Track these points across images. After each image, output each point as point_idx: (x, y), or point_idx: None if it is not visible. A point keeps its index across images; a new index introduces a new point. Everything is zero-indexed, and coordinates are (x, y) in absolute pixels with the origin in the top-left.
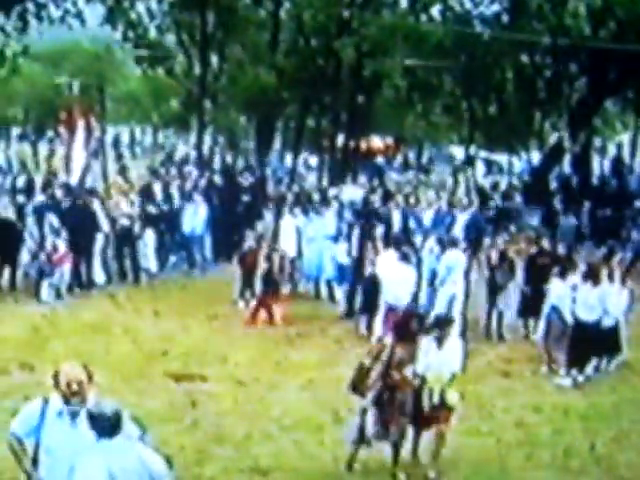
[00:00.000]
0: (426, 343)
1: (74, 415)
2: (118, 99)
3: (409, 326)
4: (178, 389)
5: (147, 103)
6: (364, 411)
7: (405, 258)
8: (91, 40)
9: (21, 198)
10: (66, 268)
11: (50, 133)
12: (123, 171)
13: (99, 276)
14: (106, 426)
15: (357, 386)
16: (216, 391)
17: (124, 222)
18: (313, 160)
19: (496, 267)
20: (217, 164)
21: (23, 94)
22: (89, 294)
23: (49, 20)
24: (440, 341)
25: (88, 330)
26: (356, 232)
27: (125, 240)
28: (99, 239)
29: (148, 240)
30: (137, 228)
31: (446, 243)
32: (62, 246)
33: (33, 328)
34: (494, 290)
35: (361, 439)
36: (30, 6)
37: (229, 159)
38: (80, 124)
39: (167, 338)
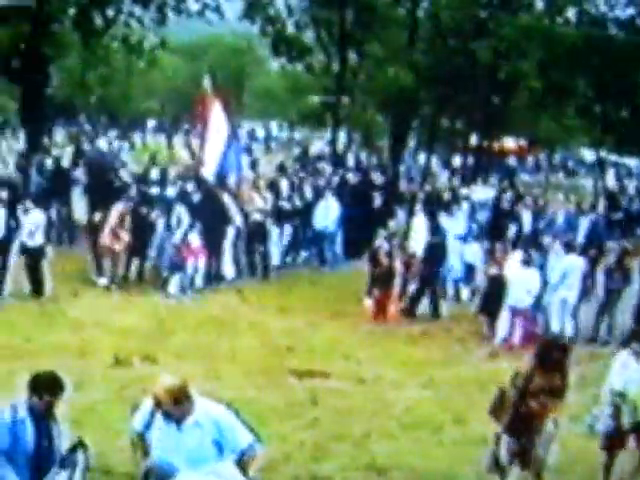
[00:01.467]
0: (624, 357)
1: (180, 423)
2: (256, 94)
3: (552, 354)
4: (300, 385)
5: (284, 99)
6: (498, 438)
7: (527, 261)
8: (232, 34)
9: (154, 190)
10: (200, 262)
11: (186, 126)
12: (253, 166)
13: (228, 270)
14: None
15: (496, 412)
16: (337, 388)
17: (256, 217)
18: None
19: (611, 272)
20: (351, 161)
21: (161, 86)
22: (217, 288)
23: (187, 13)
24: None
25: (213, 324)
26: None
27: (256, 235)
28: (230, 233)
29: (278, 235)
30: (269, 223)
31: (566, 247)
32: (196, 240)
33: (158, 320)
34: (608, 295)
35: (495, 466)
36: None
37: (363, 157)
38: (215, 117)
39: (292, 334)
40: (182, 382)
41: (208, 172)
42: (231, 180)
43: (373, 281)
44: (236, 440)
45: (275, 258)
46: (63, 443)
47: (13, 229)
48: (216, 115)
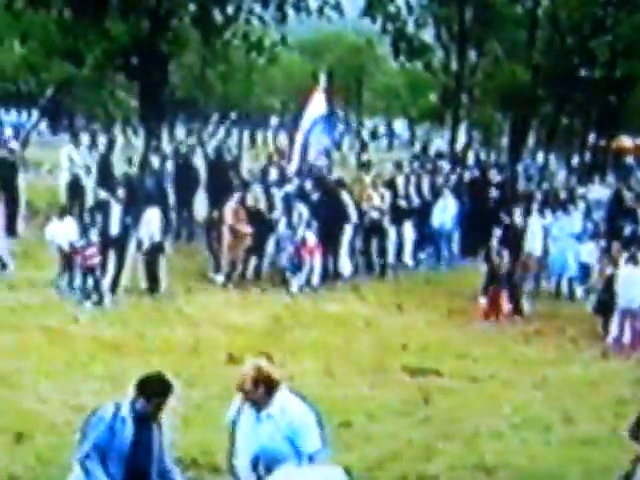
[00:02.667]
0: None
1: (261, 410)
2: (377, 92)
3: None
4: (413, 383)
5: (405, 96)
6: (637, 459)
7: (631, 259)
8: (353, 32)
9: (273, 188)
10: (316, 260)
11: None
12: (368, 164)
13: (345, 268)
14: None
15: (636, 432)
16: (450, 387)
17: (374, 215)
18: None
19: None
20: (470, 160)
21: (281, 84)
22: (334, 286)
23: (307, 11)
24: None
25: (330, 322)
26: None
27: (374, 233)
28: (347, 231)
29: (404, 233)
30: (386, 222)
31: None
32: (312, 238)
33: (275, 318)
34: None
35: None
36: None
37: (482, 155)
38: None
39: (407, 332)
40: (264, 365)
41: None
42: (311, 156)
43: (488, 280)
44: (305, 443)
45: (391, 256)
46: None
47: (129, 226)
48: (314, 108)
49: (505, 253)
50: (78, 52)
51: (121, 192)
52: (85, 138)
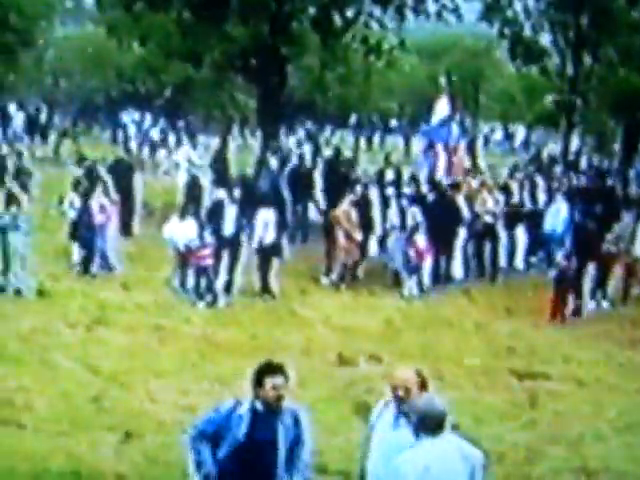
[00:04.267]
0: None
1: (397, 414)
2: (493, 96)
3: None
4: (520, 387)
5: (520, 101)
6: None
7: None
8: (470, 36)
9: (389, 190)
10: (427, 262)
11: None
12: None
13: (457, 271)
14: (429, 422)
15: None
16: (556, 390)
17: (487, 219)
18: None
19: None
20: (583, 164)
21: (398, 87)
22: (445, 288)
23: (425, 14)
24: None
25: (440, 325)
26: None
27: (486, 236)
28: (461, 234)
29: (516, 237)
30: (499, 225)
31: None
32: (422, 240)
33: (386, 321)
34: None
35: None
36: (408, 0)
37: (595, 161)
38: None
39: (515, 335)
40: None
41: (440, 173)
42: (438, 149)
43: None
44: None
45: (503, 260)
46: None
47: (244, 227)
48: (439, 111)
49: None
50: (197, 54)
51: (237, 192)
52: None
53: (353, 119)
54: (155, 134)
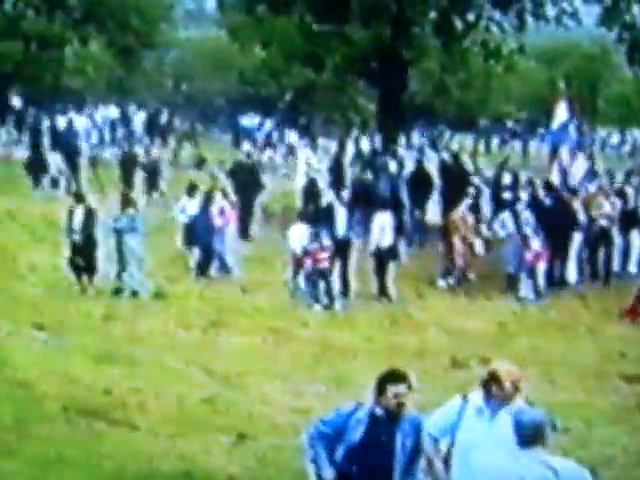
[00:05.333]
0: None
1: (494, 413)
2: (611, 101)
3: None
4: (630, 391)
5: (637, 105)
6: None
7: None
8: (589, 41)
9: (506, 194)
10: (542, 266)
11: (541, 130)
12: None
13: (572, 275)
14: (525, 434)
15: None
16: None
17: (602, 223)
18: None
19: None
20: None
21: (517, 91)
22: (559, 292)
23: (545, 19)
24: None
25: (553, 328)
26: None
27: (601, 241)
28: (576, 238)
29: (632, 241)
30: (614, 230)
31: None
32: (537, 244)
33: (499, 324)
34: None
35: None
36: (528, 4)
37: None
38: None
39: (627, 340)
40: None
41: (555, 177)
42: (564, 153)
43: None
44: None
45: (616, 264)
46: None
47: (358, 230)
48: (559, 115)
49: None
50: (318, 57)
51: (346, 195)
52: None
53: (473, 123)
54: (275, 137)
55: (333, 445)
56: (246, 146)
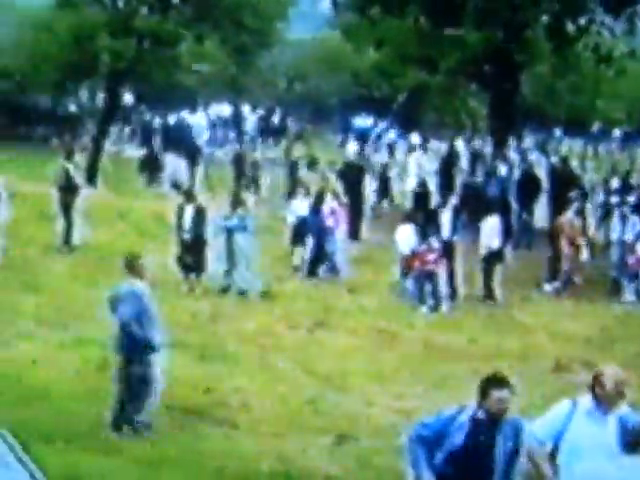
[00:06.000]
0: None
1: (603, 418)
2: None
3: None
4: None
5: None
6: None
7: None
8: None
9: (614, 199)
10: None
11: None
12: None
13: None
14: (630, 440)
15: None
16: None
17: None
18: None
19: None
20: None
21: (626, 95)
22: None
23: None
24: None
25: None
26: None
27: None
28: None
29: None
30: None
31: None
32: None
33: (603, 328)
34: None
35: None
36: (639, 8)
37: None
38: None
39: None
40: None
41: None
42: None
43: None
44: None
45: None
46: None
47: (462, 232)
48: None
49: None
50: (432, 59)
51: (454, 197)
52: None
53: (582, 127)
54: (388, 139)
55: (433, 448)
56: (353, 147)
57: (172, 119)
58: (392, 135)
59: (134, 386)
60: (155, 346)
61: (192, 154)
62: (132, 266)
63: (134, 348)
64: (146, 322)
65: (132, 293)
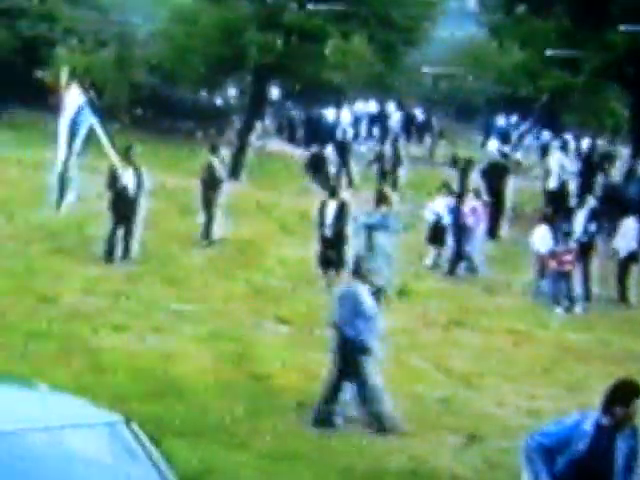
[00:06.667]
0: None
1: None
2: None
3: None
4: None
5: None
6: None
7: None
8: None
9: None
10: None
11: None
12: None
13: None
14: None
15: None
16: None
17: None
18: None
19: None
20: None
21: None
22: None
23: None
24: None
25: None
26: None
27: None
28: None
29: None
30: None
31: None
32: None
33: None
34: None
35: None
36: None
37: None
38: None
39: None
40: None
41: None
42: None
43: None
44: None
45: None
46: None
47: (599, 234)
48: None
49: None
50: (575, 60)
51: (592, 198)
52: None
53: None
54: (530, 139)
55: (553, 456)
56: (493, 145)
57: (321, 114)
58: (534, 135)
59: (342, 385)
60: (367, 349)
61: (341, 150)
62: (357, 269)
63: (346, 349)
64: (361, 325)
65: (351, 295)
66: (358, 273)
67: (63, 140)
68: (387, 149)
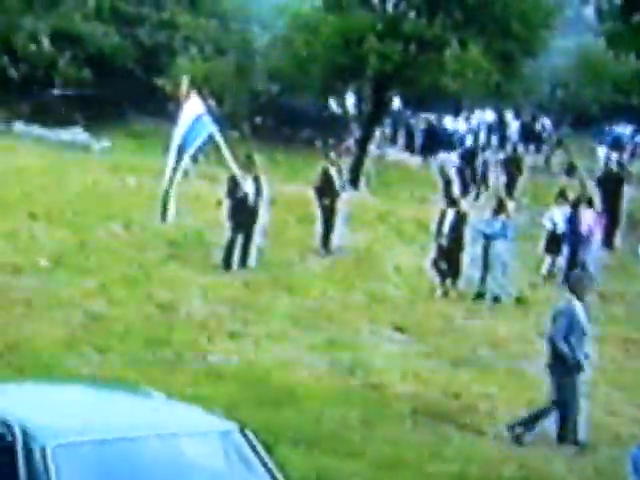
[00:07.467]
0: None
1: None
2: None
3: None
4: None
5: None
6: None
7: None
8: None
9: None
10: None
11: None
12: None
13: None
14: None
15: None
16: None
17: None
18: None
19: None
20: None
21: None
22: None
23: None
24: None
25: None
26: None
27: None
28: None
29: None
30: None
31: None
32: None
33: None
34: None
35: None
36: None
37: None
38: None
39: None
40: None
41: None
42: None
43: None
44: None
45: None
46: None
47: None
48: None
49: None
50: None
51: None
52: None
53: None
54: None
55: None
56: (602, 152)
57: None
58: None
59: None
60: (581, 367)
61: (468, 158)
62: (575, 285)
63: (558, 364)
64: (574, 342)
65: (567, 310)
66: (575, 289)
67: (174, 151)
68: (514, 158)
